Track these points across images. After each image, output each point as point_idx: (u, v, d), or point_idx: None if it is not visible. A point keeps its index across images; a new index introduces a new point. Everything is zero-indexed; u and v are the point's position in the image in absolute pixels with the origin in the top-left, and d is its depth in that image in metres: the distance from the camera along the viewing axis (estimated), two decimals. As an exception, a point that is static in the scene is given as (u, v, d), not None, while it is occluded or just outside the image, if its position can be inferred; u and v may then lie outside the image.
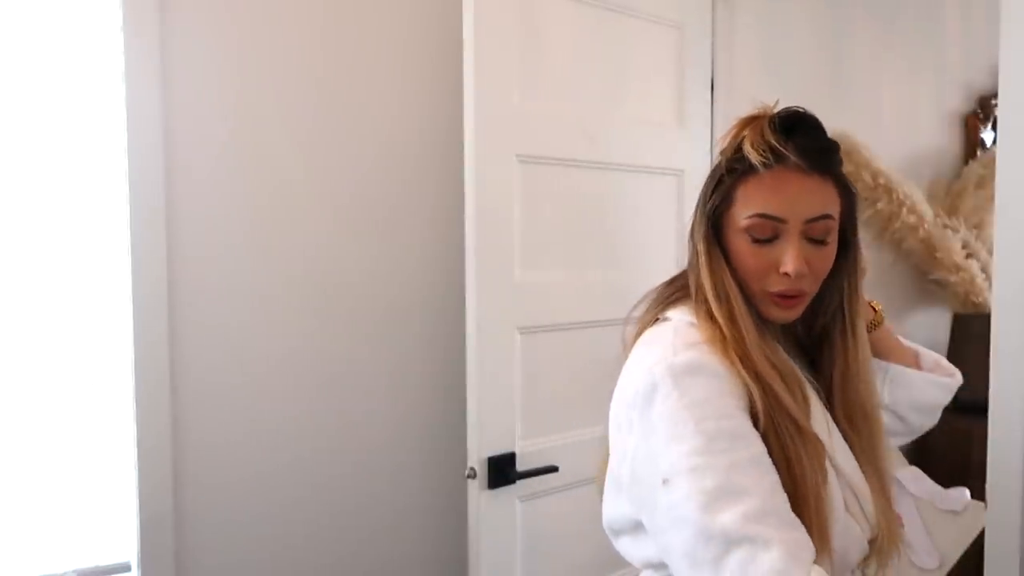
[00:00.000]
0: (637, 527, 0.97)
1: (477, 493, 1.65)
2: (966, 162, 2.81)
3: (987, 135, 2.83)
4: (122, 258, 1.60)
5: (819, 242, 0.95)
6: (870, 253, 2.51)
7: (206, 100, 1.65)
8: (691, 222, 1.03)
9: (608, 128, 1.84)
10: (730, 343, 0.92)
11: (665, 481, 0.85)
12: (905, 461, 2.43)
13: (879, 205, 2.47)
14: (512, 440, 1.70)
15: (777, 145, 0.94)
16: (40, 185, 1.72)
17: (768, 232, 0.95)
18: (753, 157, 0.94)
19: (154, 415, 1.60)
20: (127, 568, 1.70)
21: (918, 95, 2.70)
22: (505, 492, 1.69)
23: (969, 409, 2.51)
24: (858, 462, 1.00)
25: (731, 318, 0.94)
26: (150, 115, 1.58)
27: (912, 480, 2.12)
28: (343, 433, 1.82)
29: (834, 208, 0.96)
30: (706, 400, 0.88)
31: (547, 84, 1.75)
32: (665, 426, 0.88)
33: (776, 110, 0.98)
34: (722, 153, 1.01)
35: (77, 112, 1.71)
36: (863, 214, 2.49)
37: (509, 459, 1.69)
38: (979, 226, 2.63)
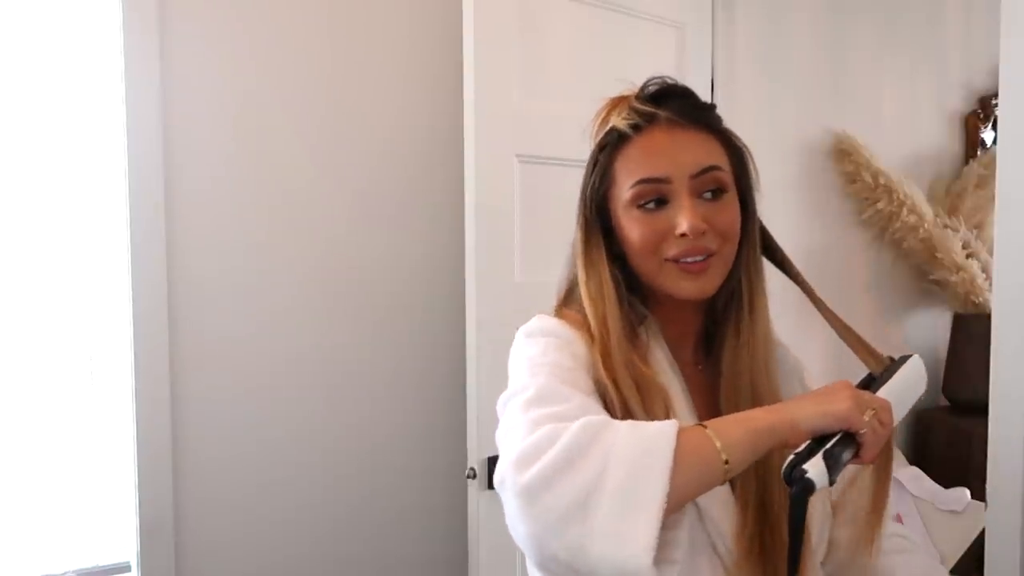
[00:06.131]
0: None
1: (477, 493, 1.65)
2: (966, 162, 2.80)
3: (987, 135, 2.82)
4: (122, 258, 1.61)
5: (714, 197, 0.86)
6: (870, 253, 2.54)
7: (206, 100, 1.65)
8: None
9: (608, 128, 1.84)
10: (596, 342, 0.85)
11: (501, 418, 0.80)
12: (905, 461, 2.43)
13: (879, 205, 2.46)
14: (512, 440, 1.70)
15: (646, 109, 0.89)
16: (40, 185, 1.72)
17: (654, 195, 0.86)
18: (621, 124, 0.89)
19: (154, 415, 1.60)
20: (127, 568, 1.70)
21: (918, 95, 2.69)
22: (505, 492, 1.69)
23: (969, 409, 2.54)
24: (748, 485, 0.83)
25: (601, 316, 0.86)
26: (150, 115, 1.58)
27: (912, 480, 2.12)
28: (343, 433, 1.82)
29: (720, 160, 0.88)
30: (545, 352, 0.83)
31: (547, 84, 1.75)
32: (510, 379, 0.84)
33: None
34: (592, 136, 0.95)
35: (77, 112, 1.72)
36: (863, 214, 2.49)
37: (509, 459, 1.69)
38: (979, 226, 2.63)
